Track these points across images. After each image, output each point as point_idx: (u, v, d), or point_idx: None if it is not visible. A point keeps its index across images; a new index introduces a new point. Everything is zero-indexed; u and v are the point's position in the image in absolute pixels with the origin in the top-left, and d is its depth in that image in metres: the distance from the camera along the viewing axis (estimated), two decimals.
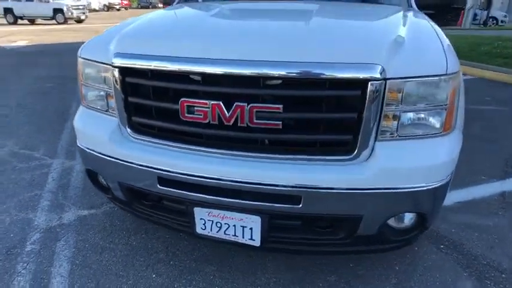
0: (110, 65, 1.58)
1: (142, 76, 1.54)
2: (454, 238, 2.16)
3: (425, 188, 1.43)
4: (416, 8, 2.47)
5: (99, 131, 1.71)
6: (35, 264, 1.95)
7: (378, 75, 1.33)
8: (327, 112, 1.41)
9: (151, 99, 1.56)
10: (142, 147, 1.62)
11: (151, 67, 1.50)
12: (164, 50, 1.51)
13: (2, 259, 1.98)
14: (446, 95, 1.42)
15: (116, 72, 1.57)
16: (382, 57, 1.36)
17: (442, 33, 1.68)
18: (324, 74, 1.34)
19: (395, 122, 1.43)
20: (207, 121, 1.46)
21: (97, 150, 1.71)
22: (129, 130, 1.65)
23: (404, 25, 1.70)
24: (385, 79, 1.35)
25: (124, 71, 1.56)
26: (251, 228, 1.56)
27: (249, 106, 1.39)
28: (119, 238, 2.16)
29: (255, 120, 1.41)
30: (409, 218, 1.61)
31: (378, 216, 1.50)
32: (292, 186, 1.43)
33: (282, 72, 1.36)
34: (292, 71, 1.35)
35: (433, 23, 1.87)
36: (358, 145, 1.42)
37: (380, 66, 1.34)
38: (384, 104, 1.39)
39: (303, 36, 1.55)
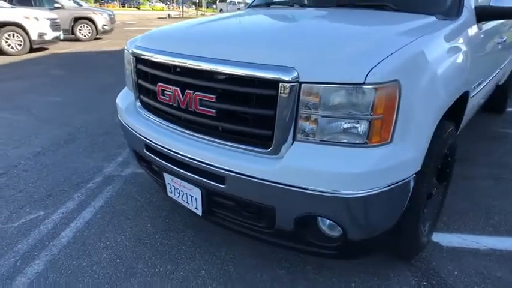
0: (131, 54, 2.10)
1: (143, 62, 2.00)
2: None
3: (333, 195, 1.43)
4: (468, 20, 2.19)
5: (122, 103, 2.26)
6: (85, 196, 2.68)
7: (287, 78, 1.42)
8: (248, 107, 1.56)
9: (146, 81, 2.01)
10: (142, 119, 2.08)
11: (146, 57, 1.94)
12: (156, 46, 1.92)
13: (69, 188, 2.79)
14: (369, 105, 1.39)
15: (133, 59, 2.08)
16: (298, 62, 1.44)
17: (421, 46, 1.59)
18: (242, 72, 1.52)
19: (314, 125, 1.47)
20: (171, 103, 1.81)
21: (120, 118, 2.27)
22: (138, 104, 2.14)
23: (374, 34, 1.69)
24: (299, 82, 1.43)
25: (136, 59, 2.05)
26: (196, 199, 1.83)
27: (194, 94, 1.68)
28: (145, 195, 2.71)
29: (199, 106, 1.69)
30: (335, 226, 1.59)
31: (288, 211, 1.57)
32: (219, 168, 1.64)
33: (213, 67, 1.60)
34: (221, 68, 1.57)
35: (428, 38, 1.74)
36: (274, 141, 1.52)
37: (293, 69, 1.43)
38: (300, 106, 1.46)
39: (253, 40, 1.75)
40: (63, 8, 11.89)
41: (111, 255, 2.08)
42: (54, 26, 9.76)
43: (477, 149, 3.60)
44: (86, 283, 1.88)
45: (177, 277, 1.92)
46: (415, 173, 1.57)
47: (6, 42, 8.88)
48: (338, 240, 1.60)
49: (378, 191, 1.45)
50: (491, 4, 2.31)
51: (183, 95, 1.74)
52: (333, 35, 1.77)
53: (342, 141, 1.45)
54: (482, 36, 2.44)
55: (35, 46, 9.25)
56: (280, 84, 1.44)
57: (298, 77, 1.43)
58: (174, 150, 1.82)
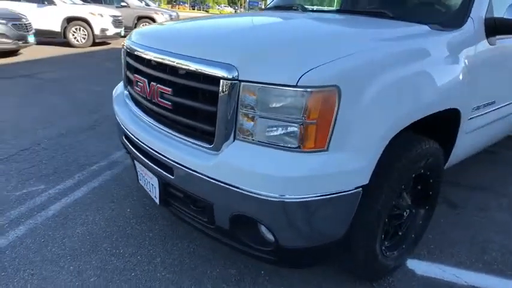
0: (123, 46, 2.23)
1: (128, 55, 2.12)
2: None
3: (260, 197, 1.41)
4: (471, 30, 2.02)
5: (115, 93, 2.41)
6: (84, 177, 2.89)
7: (227, 75, 1.44)
8: (196, 101, 1.60)
9: (129, 72, 2.12)
10: (125, 109, 2.21)
11: (129, 49, 2.05)
12: (139, 40, 2.03)
13: (74, 168, 3.02)
14: (302, 109, 1.35)
15: (123, 51, 2.21)
16: (239, 60, 1.45)
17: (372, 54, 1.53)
18: (188, 65, 1.58)
19: (252, 126, 1.46)
20: (142, 94, 1.91)
21: (114, 107, 2.42)
22: (125, 93, 2.27)
23: (329, 38, 1.66)
24: (239, 80, 1.44)
25: (125, 51, 2.18)
26: (155, 188, 1.90)
27: (156, 86, 1.76)
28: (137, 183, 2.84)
29: (159, 98, 1.76)
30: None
31: (224, 209, 1.57)
32: (169, 159, 1.70)
33: (168, 60, 1.67)
34: (174, 60, 1.64)
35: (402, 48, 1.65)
36: (215, 137, 1.54)
37: (233, 67, 1.44)
38: (240, 105, 1.46)
39: (210, 37, 1.79)
40: (129, 6, 12.80)
41: (84, 232, 2.22)
42: (117, 22, 10.55)
43: (501, 177, 3.28)
44: (51, 251, 2.03)
45: (132, 260, 2.00)
46: (361, 187, 1.49)
47: (73, 35, 9.79)
48: (271, 245, 1.56)
49: (309, 199, 1.41)
50: (506, 16, 2.11)
51: (149, 87, 1.83)
52: (285, 37, 1.74)
53: (277, 144, 1.43)
54: (495, 52, 2.24)
55: (97, 40, 10.09)
56: (221, 81, 1.46)
57: (238, 75, 1.44)
58: (140, 139, 1.91)
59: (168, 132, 1.76)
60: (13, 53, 8.18)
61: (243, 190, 1.44)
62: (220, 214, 1.60)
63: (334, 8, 2.94)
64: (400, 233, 2.01)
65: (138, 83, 1.93)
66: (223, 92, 1.47)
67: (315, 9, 2.85)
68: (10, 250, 2.03)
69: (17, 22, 7.59)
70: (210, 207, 1.62)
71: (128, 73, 2.17)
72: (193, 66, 1.56)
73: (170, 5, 46.22)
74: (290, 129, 1.40)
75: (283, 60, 1.44)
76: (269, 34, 1.84)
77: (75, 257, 2.00)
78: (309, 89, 1.34)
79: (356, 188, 1.49)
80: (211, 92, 1.52)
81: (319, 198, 1.42)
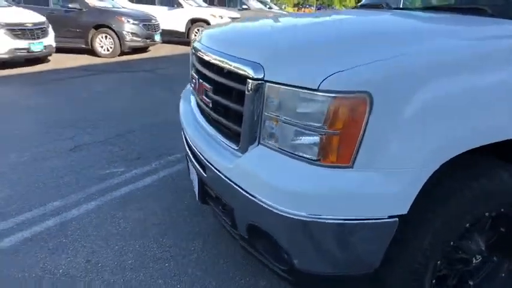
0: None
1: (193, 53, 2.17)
2: None
3: (270, 209, 1.27)
4: None
5: (185, 88, 2.51)
6: (160, 165, 3.10)
7: (252, 74, 1.34)
8: (228, 100, 1.53)
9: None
10: (187, 104, 2.27)
11: (193, 49, 2.10)
12: (201, 40, 2.05)
13: (155, 156, 3.27)
14: (323, 117, 1.17)
15: (191, 51, 2.29)
16: (266, 59, 1.33)
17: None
18: (221, 63, 1.52)
19: (275, 131, 1.33)
20: (194, 90, 1.94)
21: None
22: (191, 89, 2.34)
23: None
24: (265, 80, 1.32)
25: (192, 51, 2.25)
26: (195, 184, 1.91)
27: (202, 83, 1.76)
28: None
29: (203, 96, 1.76)
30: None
31: (242, 216, 1.47)
32: (203, 155, 1.68)
33: (208, 56, 1.63)
34: (212, 57, 1.60)
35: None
36: (241, 139, 1.45)
37: (260, 66, 1.33)
38: (265, 106, 1.34)
39: (253, 38, 1.66)
40: (249, 9, 13.46)
41: (140, 216, 2.37)
42: None
43: None
44: (106, 229, 2.22)
45: (171, 251, 2.05)
46: (397, 216, 1.23)
47: (195, 35, 10.74)
48: (287, 264, 1.40)
49: (326, 221, 1.21)
50: None
51: (198, 83, 1.84)
52: (325, 36, 1.52)
53: (298, 154, 1.27)
54: None
55: None
56: (248, 80, 1.37)
57: (264, 75, 1.32)
58: (187, 132, 1.95)
59: (208, 129, 1.75)
60: (144, 50, 9.39)
61: (257, 199, 1.33)
62: (240, 221, 1.51)
63: (431, 5, 2.53)
64: (471, 283, 1.61)
65: (193, 81, 1.97)
66: (249, 91, 1.37)
67: (401, 6, 2.50)
68: (76, 222, 2.29)
69: (147, 23, 8.67)
70: (232, 212, 1.54)
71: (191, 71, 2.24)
72: (224, 63, 1.51)
73: (296, 8, 46.99)
74: (310, 139, 1.22)
75: (310, 60, 1.27)
76: (310, 33, 1.65)
77: (124, 238, 2.14)
78: (332, 94, 1.15)
79: (390, 217, 1.23)
80: (240, 91, 1.44)
81: (338, 221, 1.21)
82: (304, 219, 1.22)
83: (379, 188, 1.19)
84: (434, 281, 1.45)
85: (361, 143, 1.17)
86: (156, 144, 3.53)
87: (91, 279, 1.82)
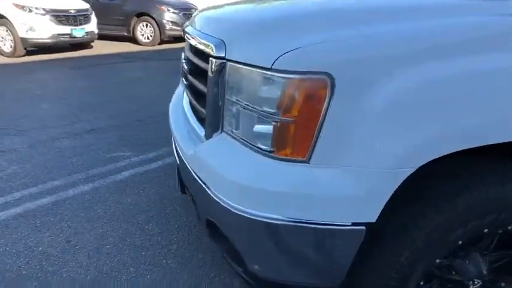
0: None
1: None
2: None
3: (224, 205, 1.13)
4: None
5: None
6: (166, 152, 3.05)
7: (215, 51, 1.20)
8: (199, 82, 1.40)
9: None
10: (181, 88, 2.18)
11: None
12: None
13: (162, 143, 3.22)
14: (277, 101, 1.01)
15: None
16: (229, 36, 1.18)
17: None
18: (196, 40, 1.40)
19: (236, 117, 1.18)
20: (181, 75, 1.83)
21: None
22: None
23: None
24: (226, 59, 1.17)
25: None
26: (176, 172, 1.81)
27: (183, 66, 1.65)
28: None
29: (183, 78, 1.64)
30: None
31: (201, 208, 1.35)
32: (176, 143, 1.58)
33: (188, 37, 1.51)
34: (188, 36, 1.48)
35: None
36: (206, 125, 1.32)
37: (222, 43, 1.18)
38: (226, 89, 1.20)
39: (231, 15, 1.50)
40: None
41: (132, 201, 2.32)
42: None
43: None
44: (96, 211, 2.19)
45: (152, 239, 1.97)
46: (364, 225, 1.03)
47: None
48: (242, 266, 1.25)
49: (275, 221, 1.05)
50: None
51: (182, 68, 1.73)
52: (291, 12, 1.29)
53: (253, 143, 1.11)
54: None
55: None
56: (210, 59, 1.23)
57: (225, 53, 1.17)
58: (170, 120, 1.85)
59: (189, 115, 1.63)
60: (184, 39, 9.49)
61: (211, 191, 1.19)
62: (201, 214, 1.39)
63: None
64: None
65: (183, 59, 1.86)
66: (212, 71, 1.23)
67: None
68: (70, 201, 2.29)
69: (187, 12, 8.72)
70: (195, 203, 1.43)
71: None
72: (196, 42, 1.39)
73: None
74: (265, 127, 1.06)
75: (270, 36, 1.09)
76: (280, 9, 1.42)
77: (110, 222, 2.10)
78: (286, 75, 0.98)
79: (355, 225, 1.04)
80: (205, 72, 1.31)
81: (288, 223, 1.04)
82: (251, 217, 1.07)
83: (340, 189, 1.01)
84: None
85: (319, 134, 0.99)
86: (165, 131, 3.49)
87: (65, 260, 1.79)
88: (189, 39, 1.59)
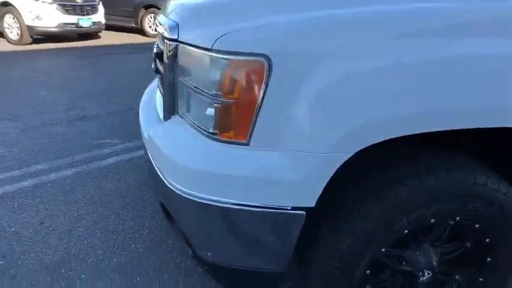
0: None
1: None
2: None
3: (168, 186, 1.14)
4: None
5: None
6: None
7: (169, 33, 1.21)
8: (160, 64, 1.40)
9: None
10: None
11: None
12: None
13: None
14: (218, 82, 1.00)
15: None
16: (182, 17, 1.19)
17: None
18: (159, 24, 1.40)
19: (186, 100, 1.19)
20: None
21: None
22: None
23: None
24: (178, 41, 1.17)
25: None
26: None
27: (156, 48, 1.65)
28: None
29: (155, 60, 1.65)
30: None
31: (155, 190, 1.36)
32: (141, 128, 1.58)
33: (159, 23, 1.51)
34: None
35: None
36: (163, 108, 1.32)
37: (176, 25, 1.18)
38: (179, 71, 1.20)
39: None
40: None
41: (112, 187, 2.34)
42: None
43: None
44: (75, 195, 2.22)
45: (125, 224, 1.99)
46: (303, 209, 1.03)
47: None
48: (192, 247, 1.26)
49: (217, 203, 1.05)
50: None
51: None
52: None
53: (199, 125, 1.11)
54: None
55: None
56: (165, 41, 1.23)
57: (178, 35, 1.17)
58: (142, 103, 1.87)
59: (158, 99, 1.64)
60: None
61: (158, 170, 1.20)
62: (155, 194, 1.40)
63: None
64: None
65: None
66: (167, 54, 1.24)
67: None
68: (51, 185, 2.33)
69: None
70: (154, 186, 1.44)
71: None
72: (160, 27, 1.39)
73: None
74: (209, 109, 1.06)
75: (216, 18, 1.08)
76: None
77: (86, 206, 2.13)
78: (226, 55, 0.98)
79: (295, 209, 1.03)
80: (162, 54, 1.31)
81: (230, 206, 1.04)
82: (193, 199, 1.07)
83: (278, 172, 1.00)
84: None
85: (257, 116, 0.98)
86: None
87: (36, 241, 1.83)
88: (158, 26, 1.60)
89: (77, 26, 7.09)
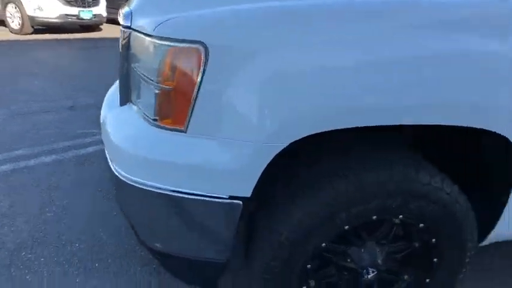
0: None
1: None
2: None
3: (111, 169, 1.16)
4: None
5: None
6: None
7: (123, 20, 1.22)
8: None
9: None
10: None
11: None
12: None
13: None
14: (158, 68, 1.01)
15: None
16: (136, 5, 1.19)
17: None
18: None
19: (134, 86, 1.21)
20: None
21: None
22: None
23: None
24: (131, 28, 1.18)
25: None
26: None
27: None
28: None
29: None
30: None
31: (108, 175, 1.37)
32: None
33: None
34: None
35: None
36: (119, 93, 1.33)
37: (130, 12, 1.19)
38: (131, 57, 1.22)
39: None
40: None
41: (91, 173, 2.37)
42: None
43: None
44: (48, 182, 2.24)
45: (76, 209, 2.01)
46: (241, 199, 1.03)
47: None
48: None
49: (155, 189, 1.06)
50: None
51: None
52: None
53: (144, 111, 1.12)
54: None
55: None
56: (121, 28, 1.25)
57: (131, 23, 1.18)
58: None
59: None
60: None
61: (107, 154, 1.22)
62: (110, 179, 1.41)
63: None
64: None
65: None
66: (122, 40, 1.25)
67: None
68: (28, 170, 2.36)
69: None
70: None
71: None
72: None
73: None
74: (150, 94, 1.07)
75: (158, 5, 1.10)
76: None
77: (58, 192, 2.15)
78: (165, 42, 0.98)
79: (232, 198, 1.04)
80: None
81: (166, 192, 1.04)
82: (133, 184, 1.08)
83: (215, 160, 1.01)
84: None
85: (194, 103, 0.99)
86: None
87: (2, 223, 1.85)
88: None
89: (78, 18, 7.14)
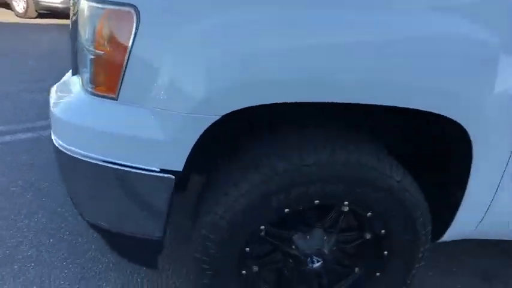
0: None
1: None
2: None
3: (53, 138, 1.12)
4: None
5: None
6: None
7: None
8: None
9: None
10: None
11: None
12: None
13: None
14: (93, 34, 0.97)
15: None
16: None
17: None
18: None
19: (78, 55, 1.16)
20: None
21: None
22: None
23: None
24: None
25: None
26: None
27: None
28: None
29: None
30: None
31: None
32: None
33: None
34: None
35: None
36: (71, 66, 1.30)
37: None
38: (77, 28, 1.17)
39: None
40: None
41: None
42: None
43: None
44: (22, 157, 2.23)
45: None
46: (172, 173, 0.99)
47: None
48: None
49: (86, 159, 1.02)
50: None
51: None
52: None
53: (82, 79, 1.08)
54: None
55: None
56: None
57: None
58: None
59: None
60: None
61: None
62: None
63: None
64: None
65: None
66: (72, 11, 1.22)
67: None
68: (1, 146, 2.34)
69: None
70: None
71: None
72: None
73: None
74: (87, 61, 1.03)
75: None
76: None
77: (28, 168, 2.13)
78: (100, 4, 0.94)
79: (163, 172, 0.99)
80: None
81: (97, 162, 1.00)
82: (67, 152, 1.04)
83: (145, 130, 0.96)
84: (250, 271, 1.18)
85: (125, 69, 0.94)
86: None
87: None
88: None
89: None
